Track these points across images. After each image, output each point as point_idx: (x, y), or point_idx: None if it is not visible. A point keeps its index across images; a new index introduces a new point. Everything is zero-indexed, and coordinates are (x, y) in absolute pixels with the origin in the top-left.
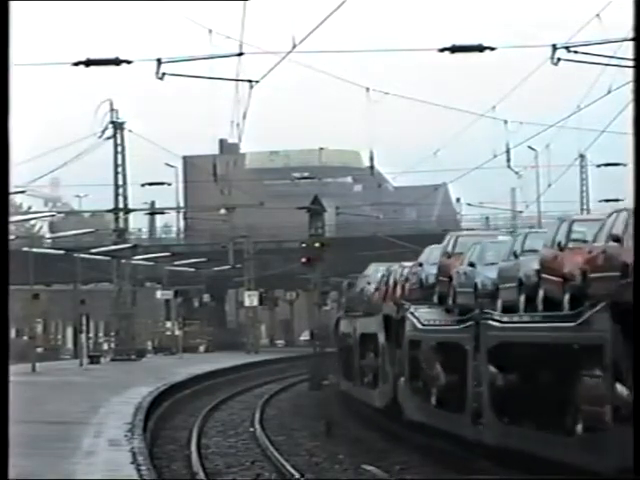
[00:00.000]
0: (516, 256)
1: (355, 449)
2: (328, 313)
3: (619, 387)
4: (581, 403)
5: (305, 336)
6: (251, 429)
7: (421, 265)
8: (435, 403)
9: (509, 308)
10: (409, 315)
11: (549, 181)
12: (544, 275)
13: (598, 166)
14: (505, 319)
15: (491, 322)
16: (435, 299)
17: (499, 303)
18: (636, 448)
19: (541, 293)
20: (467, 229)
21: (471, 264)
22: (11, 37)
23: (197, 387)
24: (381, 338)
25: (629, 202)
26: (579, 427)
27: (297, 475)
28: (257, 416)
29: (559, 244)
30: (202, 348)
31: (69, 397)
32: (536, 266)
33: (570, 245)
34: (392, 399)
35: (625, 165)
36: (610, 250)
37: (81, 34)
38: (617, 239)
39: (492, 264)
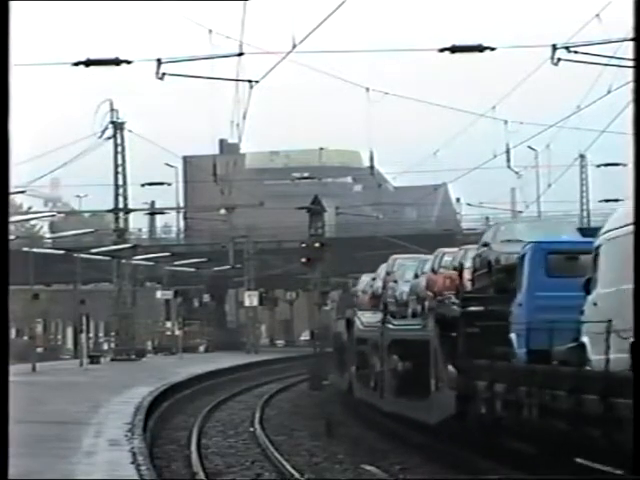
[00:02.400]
0: (416, 276)
1: (355, 449)
2: (328, 313)
3: (439, 367)
4: (428, 378)
5: (305, 336)
6: (251, 429)
7: (374, 279)
8: (368, 385)
9: (414, 315)
10: (356, 318)
11: (549, 181)
12: (426, 292)
13: (598, 166)
14: (395, 323)
15: (388, 325)
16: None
17: (410, 311)
18: (636, 448)
19: (426, 305)
20: (412, 255)
21: (395, 281)
22: (11, 37)
23: (197, 387)
24: (344, 337)
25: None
26: (430, 395)
27: (297, 475)
28: (257, 416)
29: (433, 269)
30: (202, 348)
31: (69, 397)
32: (424, 284)
33: (441, 270)
34: (349, 384)
35: (625, 165)
36: (452, 276)
37: (81, 34)
38: (456, 268)
39: (407, 281)
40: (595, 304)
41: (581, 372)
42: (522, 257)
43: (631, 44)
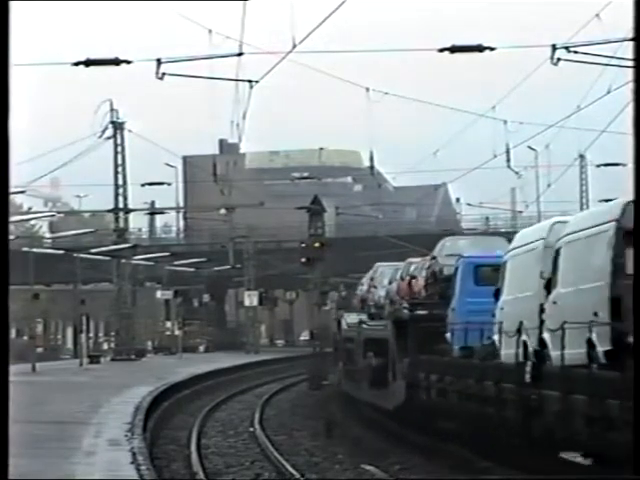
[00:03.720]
0: (390, 282)
1: (355, 449)
2: (327, 313)
3: (395, 362)
4: (388, 371)
5: (305, 336)
6: (251, 429)
7: (362, 284)
8: (351, 379)
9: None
10: (342, 319)
11: (549, 181)
12: (397, 296)
13: (598, 166)
14: (368, 323)
15: (363, 325)
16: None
17: (386, 313)
18: (636, 448)
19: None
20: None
21: (375, 286)
22: (11, 37)
23: (197, 387)
24: (336, 336)
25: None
26: (390, 384)
27: (297, 475)
28: (257, 416)
29: (401, 277)
30: (202, 348)
31: (69, 397)
32: (395, 289)
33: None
34: (339, 379)
35: (625, 165)
36: (413, 283)
37: (81, 34)
38: (414, 277)
39: (384, 286)
40: (554, 302)
41: (485, 364)
42: (456, 269)
43: (631, 44)
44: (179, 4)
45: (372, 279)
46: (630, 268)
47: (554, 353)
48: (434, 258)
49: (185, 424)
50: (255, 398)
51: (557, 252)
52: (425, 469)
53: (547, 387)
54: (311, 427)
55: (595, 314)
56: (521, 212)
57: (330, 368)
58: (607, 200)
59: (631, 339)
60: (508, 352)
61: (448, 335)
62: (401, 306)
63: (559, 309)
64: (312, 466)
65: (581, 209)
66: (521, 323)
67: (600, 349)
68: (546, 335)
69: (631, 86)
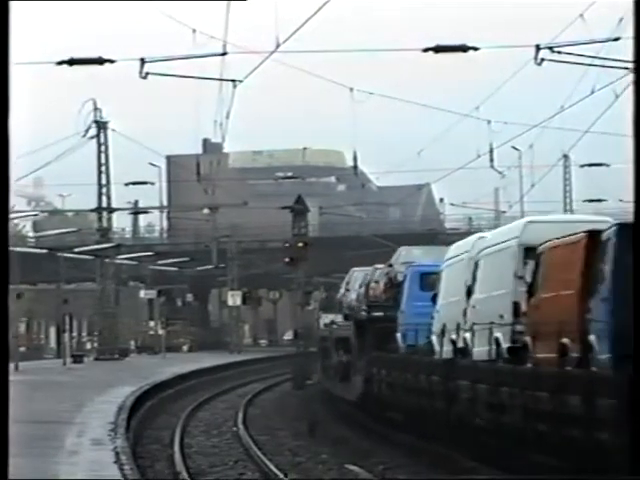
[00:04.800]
0: (360, 286)
1: (339, 449)
2: (311, 313)
3: (355, 358)
4: (351, 366)
5: (288, 336)
6: (234, 428)
7: (341, 287)
8: (327, 374)
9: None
10: (320, 320)
11: (532, 181)
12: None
13: (582, 166)
14: (338, 323)
15: (334, 325)
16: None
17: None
18: (636, 448)
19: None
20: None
21: (348, 289)
22: (11, 37)
23: (180, 387)
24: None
25: (612, 203)
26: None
27: (280, 475)
28: (240, 416)
29: (368, 282)
30: (185, 347)
31: (52, 396)
32: (364, 293)
33: (372, 284)
34: (320, 375)
35: (608, 165)
36: (376, 288)
37: (64, 33)
38: (377, 282)
39: (356, 290)
40: (473, 306)
41: (419, 360)
42: (405, 276)
43: (614, 44)
44: (163, 4)
45: (347, 283)
46: (528, 277)
47: (473, 350)
48: (391, 265)
49: (168, 424)
50: (238, 398)
51: (476, 263)
52: (409, 469)
53: (461, 378)
54: (295, 427)
55: (501, 316)
56: (504, 212)
57: (314, 368)
58: (591, 200)
59: (526, 338)
60: (447, 349)
61: (398, 335)
62: (357, 309)
63: (476, 312)
64: (295, 466)
65: (565, 209)
66: (455, 324)
67: (504, 346)
68: (467, 335)
69: (631, 86)
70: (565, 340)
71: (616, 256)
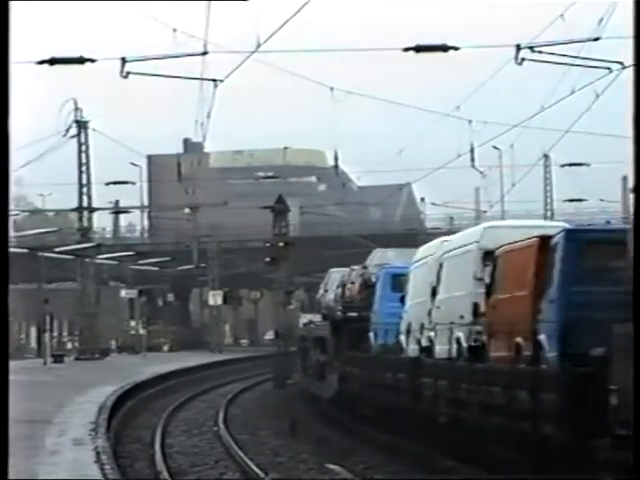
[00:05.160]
0: (338, 287)
1: (319, 448)
2: (292, 312)
3: (331, 357)
4: (327, 365)
5: (269, 335)
6: (215, 428)
7: (320, 287)
8: (305, 372)
9: None
10: (299, 320)
11: (513, 181)
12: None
13: (562, 166)
14: (316, 323)
15: (311, 325)
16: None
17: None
18: (636, 448)
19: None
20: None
21: (326, 290)
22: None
23: (161, 386)
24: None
25: (593, 203)
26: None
27: (261, 474)
28: (221, 415)
29: (344, 283)
30: (166, 347)
31: (33, 396)
32: (340, 293)
33: (348, 285)
34: (300, 373)
35: (589, 165)
36: (352, 289)
37: (45, 32)
38: (352, 282)
39: (334, 290)
40: (437, 307)
41: (387, 358)
42: (378, 277)
43: (594, 44)
44: (144, 3)
45: (326, 283)
46: (487, 279)
47: (437, 348)
48: (365, 267)
49: (149, 423)
50: (219, 397)
51: (440, 266)
52: (389, 469)
53: (425, 375)
54: (275, 426)
55: (461, 316)
56: (485, 212)
57: (294, 367)
58: (572, 200)
59: (484, 337)
60: (413, 347)
61: (371, 334)
62: (334, 309)
63: (440, 312)
64: (276, 465)
65: (545, 209)
66: (420, 324)
67: (464, 345)
68: (432, 334)
69: (631, 86)
70: (519, 339)
71: (563, 260)
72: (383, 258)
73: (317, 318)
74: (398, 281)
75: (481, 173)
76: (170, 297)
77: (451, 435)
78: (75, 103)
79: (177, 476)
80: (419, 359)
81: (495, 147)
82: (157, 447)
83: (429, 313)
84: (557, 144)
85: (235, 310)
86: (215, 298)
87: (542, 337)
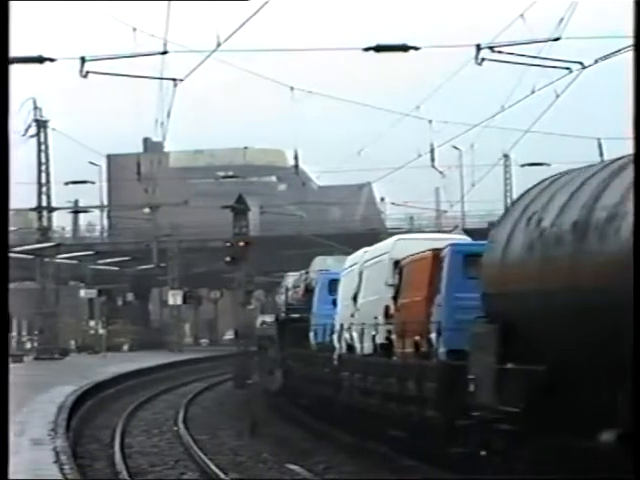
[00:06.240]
0: (287, 289)
1: (279, 448)
2: (252, 312)
3: (277, 354)
4: (275, 362)
5: (229, 335)
6: (175, 428)
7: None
8: (262, 369)
9: None
10: (258, 319)
11: (473, 180)
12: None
13: (522, 165)
14: (267, 323)
15: (263, 325)
16: None
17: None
18: (636, 448)
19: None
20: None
21: (281, 292)
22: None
23: (121, 386)
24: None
25: None
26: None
27: (221, 475)
28: (181, 415)
29: (294, 286)
30: (126, 347)
31: None
32: (288, 296)
33: (294, 289)
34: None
35: (549, 165)
36: (298, 292)
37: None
38: (298, 286)
39: (284, 293)
40: (358, 309)
41: (318, 355)
42: (316, 282)
43: (554, 44)
44: (103, 3)
45: (282, 286)
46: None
47: (358, 346)
48: (307, 273)
49: (109, 423)
50: (179, 397)
51: (361, 273)
52: (349, 469)
53: (341, 369)
54: (235, 426)
55: (376, 318)
56: (445, 212)
57: (254, 367)
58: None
59: (393, 336)
60: (341, 345)
61: (311, 334)
62: (280, 309)
63: (360, 314)
64: (236, 465)
65: (505, 208)
66: (347, 324)
67: (378, 342)
68: (355, 333)
69: (631, 85)
70: (417, 338)
71: (447, 270)
72: (322, 264)
73: (270, 319)
74: (334, 286)
75: (441, 173)
76: (130, 297)
77: (364, 420)
78: (34, 102)
79: (136, 476)
80: (340, 355)
81: (455, 147)
82: (117, 447)
83: (352, 315)
84: (517, 144)
85: (195, 310)
86: (175, 298)
87: (433, 336)
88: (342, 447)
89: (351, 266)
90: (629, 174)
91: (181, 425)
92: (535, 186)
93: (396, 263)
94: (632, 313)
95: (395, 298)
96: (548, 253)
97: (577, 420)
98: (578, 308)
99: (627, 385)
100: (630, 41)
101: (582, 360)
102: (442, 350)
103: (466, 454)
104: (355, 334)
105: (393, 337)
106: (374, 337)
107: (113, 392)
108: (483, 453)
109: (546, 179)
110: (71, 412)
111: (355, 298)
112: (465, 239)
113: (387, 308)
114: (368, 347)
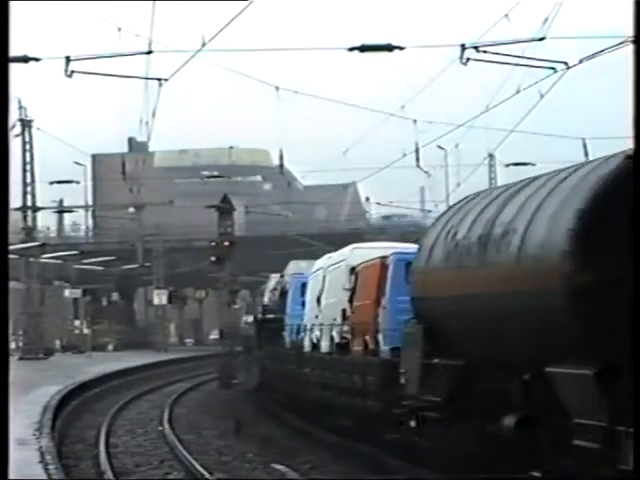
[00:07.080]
0: (266, 291)
1: (265, 448)
2: (237, 312)
3: (255, 352)
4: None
5: (214, 335)
6: (160, 428)
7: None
8: (246, 367)
9: None
10: (242, 319)
11: (458, 180)
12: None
13: (507, 165)
14: (248, 323)
15: (245, 325)
16: None
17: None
18: (636, 448)
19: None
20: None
21: (262, 294)
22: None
23: (106, 386)
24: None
25: None
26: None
27: (206, 474)
28: (166, 415)
29: (274, 289)
30: (111, 347)
31: None
32: (267, 297)
33: (272, 291)
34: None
35: (534, 165)
36: (275, 293)
37: None
38: (275, 288)
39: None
40: (321, 311)
41: (285, 352)
42: (290, 284)
43: (539, 44)
44: (88, 2)
45: (265, 287)
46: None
47: (321, 344)
48: (283, 276)
49: (94, 423)
50: (164, 397)
51: (324, 277)
52: (335, 468)
53: (304, 366)
54: (221, 426)
55: (334, 319)
56: (430, 211)
57: (239, 366)
58: None
59: (348, 336)
60: (308, 344)
61: (285, 333)
62: (257, 310)
63: (322, 316)
64: (221, 465)
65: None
66: (312, 325)
67: (336, 341)
68: (317, 333)
69: (631, 85)
70: (367, 337)
71: (391, 276)
72: (296, 268)
73: (247, 319)
74: (305, 288)
75: (426, 173)
76: (115, 296)
77: (323, 412)
78: (19, 102)
79: (121, 476)
80: (303, 353)
81: (440, 147)
82: (101, 447)
83: (317, 316)
84: (502, 143)
85: (180, 309)
86: (160, 297)
87: (379, 336)
88: (327, 446)
89: (317, 270)
90: (523, 195)
91: (166, 425)
92: (457, 202)
93: (352, 269)
94: (517, 317)
95: (351, 301)
96: (460, 262)
97: (487, 408)
98: (480, 311)
99: (523, 376)
100: (614, 41)
101: (489, 355)
102: (385, 348)
103: (401, 440)
104: (318, 333)
105: (349, 337)
106: (332, 337)
107: (98, 392)
108: (416, 439)
109: (467, 197)
110: (56, 412)
111: (319, 300)
112: (411, 247)
113: (344, 310)
114: (328, 346)
